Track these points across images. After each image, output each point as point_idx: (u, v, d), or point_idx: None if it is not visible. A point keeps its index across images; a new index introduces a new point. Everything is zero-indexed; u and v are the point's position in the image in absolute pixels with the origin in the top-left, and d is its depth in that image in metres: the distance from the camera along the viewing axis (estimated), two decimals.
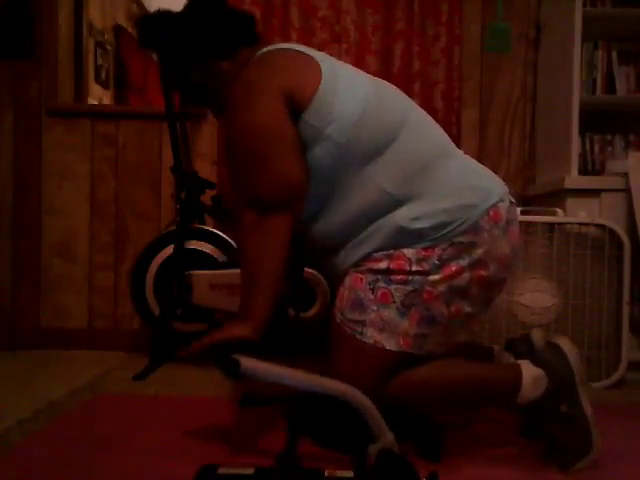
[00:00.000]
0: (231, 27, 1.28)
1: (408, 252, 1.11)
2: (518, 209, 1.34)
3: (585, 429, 1.12)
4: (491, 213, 1.12)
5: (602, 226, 1.87)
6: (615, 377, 1.85)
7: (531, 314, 1.87)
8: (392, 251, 1.12)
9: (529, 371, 1.16)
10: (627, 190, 1.99)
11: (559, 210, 1.94)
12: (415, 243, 1.11)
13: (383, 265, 1.12)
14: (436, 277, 1.10)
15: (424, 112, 1.25)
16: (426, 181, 1.13)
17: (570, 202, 2.03)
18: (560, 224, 1.88)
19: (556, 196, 2.12)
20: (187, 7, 1.32)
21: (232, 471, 0.96)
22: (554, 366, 1.15)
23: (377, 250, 1.13)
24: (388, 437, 0.98)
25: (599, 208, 2.02)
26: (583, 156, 2.27)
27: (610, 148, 2.29)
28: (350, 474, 0.95)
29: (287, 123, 1.12)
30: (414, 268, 1.10)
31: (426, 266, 1.10)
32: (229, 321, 1.16)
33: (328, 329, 1.21)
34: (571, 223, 1.89)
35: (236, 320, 1.13)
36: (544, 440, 1.21)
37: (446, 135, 1.25)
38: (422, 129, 1.19)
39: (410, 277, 1.10)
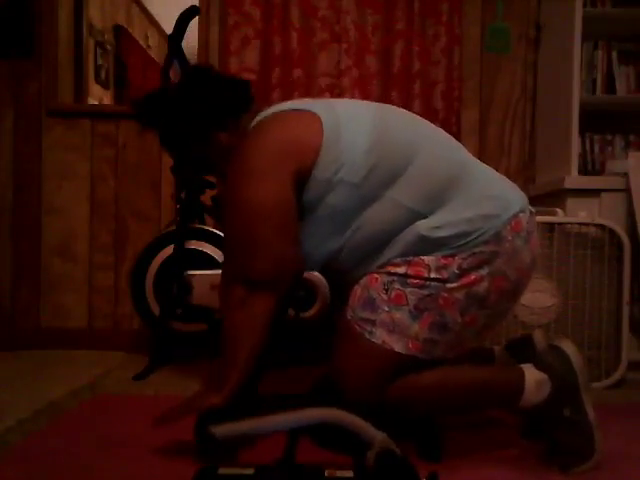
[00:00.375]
0: (227, 99, 1.26)
1: (428, 259, 1.10)
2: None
3: (588, 433, 1.11)
4: (513, 223, 1.11)
5: (602, 226, 1.87)
6: (615, 377, 1.85)
7: (531, 314, 1.87)
8: (412, 257, 1.11)
9: (532, 375, 1.15)
10: (627, 190, 1.99)
11: (559, 210, 1.94)
12: (436, 251, 1.10)
13: (401, 270, 1.11)
14: (454, 285, 1.09)
15: (431, 125, 1.24)
16: (448, 194, 1.12)
17: (570, 202, 2.03)
18: (560, 224, 1.88)
19: (556, 196, 2.12)
20: (181, 84, 1.31)
21: (232, 471, 0.96)
22: (557, 370, 1.15)
23: (397, 257, 1.13)
24: (379, 438, 0.98)
25: (599, 208, 2.02)
26: (583, 156, 2.27)
27: (610, 148, 2.29)
28: (350, 474, 0.95)
29: (287, 203, 1.11)
30: (432, 275, 1.09)
31: (445, 274, 1.09)
32: (206, 388, 1.19)
33: (328, 329, 1.21)
34: (571, 223, 1.89)
35: (211, 387, 1.16)
36: (546, 442, 1.21)
37: (459, 145, 1.24)
38: (435, 145, 1.17)
39: (427, 283, 1.09)
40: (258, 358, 1.15)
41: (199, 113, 1.25)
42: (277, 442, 1.17)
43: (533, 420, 1.25)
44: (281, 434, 1.07)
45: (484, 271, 1.10)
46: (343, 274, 1.23)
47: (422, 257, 1.10)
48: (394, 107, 1.25)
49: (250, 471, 0.96)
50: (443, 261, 1.09)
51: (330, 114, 1.15)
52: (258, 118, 1.22)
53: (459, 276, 1.09)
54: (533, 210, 1.20)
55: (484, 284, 1.10)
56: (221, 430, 1.03)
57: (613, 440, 1.26)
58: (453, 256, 1.09)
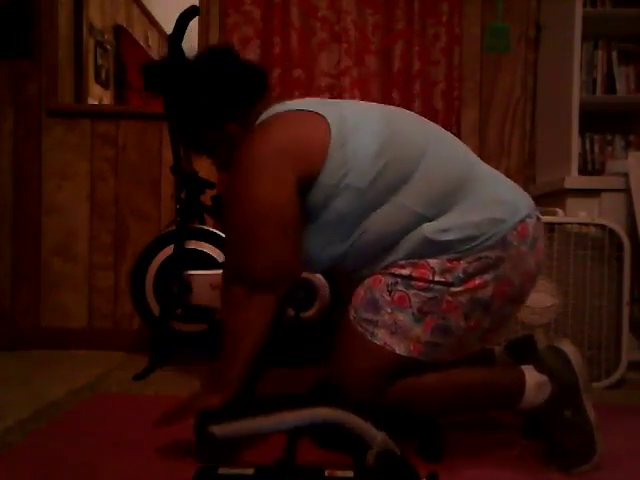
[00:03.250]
0: (244, 90, 1.23)
1: (433, 262, 1.09)
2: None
3: (589, 434, 1.11)
4: (519, 229, 1.10)
5: (602, 226, 1.87)
6: (615, 377, 1.85)
7: (531, 314, 1.87)
8: (417, 260, 1.10)
9: (532, 377, 1.15)
10: (627, 190, 1.99)
11: (559, 210, 1.94)
12: (441, 254, 1.09)
13: (406, 272, 1.11)
14: (458, 289, 1.08)
15: (437, 127, 1.22)
16: (455, 197, 1.11)
17: (570, 202, 2.03)
18: (560, 224, 1.88)
19: (556, 196, 2.12)
20: (200, 59, 1.26)
21: (232, 471, 0.96)
22: (558, 372, 1.15)
23: (402, 259, 1.12)
24: (379, 439, 0.98)
25: (599, 208, 2.02)
26: (583, 156, 2.28)
27: (610, 148, 2.29)
28: (350, 474, 0.95)
29: (290, 205, 1.10)
30: (437, 278, 1.09)
31: (450, 278, 1.08)
32: (204, 389, 1.20)
33: (328, 329, 1.21)
34: (571, 223, 1.89)
35: (210, 388, 1.16)
36: (546, 443, 1.21)
37: (466, 148, 1.22)
38: (444, 150, 1.16)
39: (431, 285, 1.09)
40: (257, 358, 1.15)
41: (213, 97, 1.21)
42: (277, 442, 1.16)
43: (533, 421, 1.25)
44: (281, 434, 1.07)
45: (489, 276, 1.09)
46: (347, 274, 1.23)
47: (427, 260, 1.10)
48: (401, 109, 1.24)
49: (250, 471, 0.96)
50: (448, 264, 1.09)
51: (337, 116, 1.14)
52: (263, 116, 1.20)
53: (463, 280, 1.08)
54: (540, 216, 1.19)
55: (488, 289, 1.09)
56: (221, 430, 1.03)
57: (613, 440, 1.26)
58: (459, 260, 1.08)
